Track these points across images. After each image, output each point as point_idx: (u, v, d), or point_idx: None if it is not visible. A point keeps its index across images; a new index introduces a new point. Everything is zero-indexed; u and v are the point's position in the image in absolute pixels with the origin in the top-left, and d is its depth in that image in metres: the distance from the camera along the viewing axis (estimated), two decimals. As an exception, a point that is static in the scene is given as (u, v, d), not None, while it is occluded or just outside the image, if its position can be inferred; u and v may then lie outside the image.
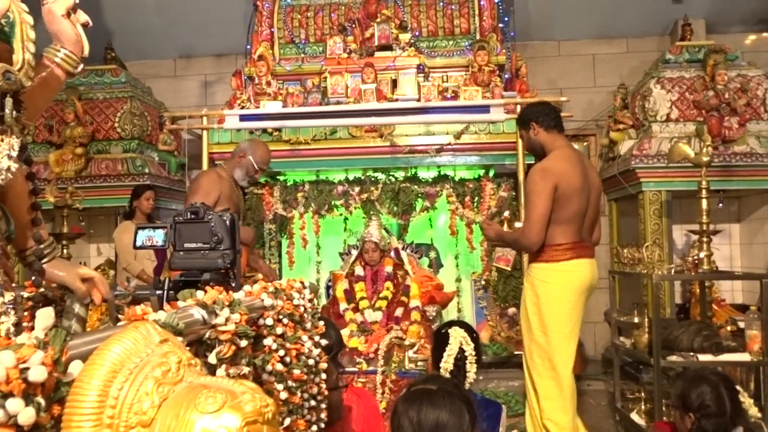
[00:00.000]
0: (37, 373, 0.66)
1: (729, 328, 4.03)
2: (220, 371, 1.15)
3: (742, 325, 3.64)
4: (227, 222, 1.84)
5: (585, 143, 6.18)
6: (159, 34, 6.15)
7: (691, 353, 3.35)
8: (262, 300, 1.43)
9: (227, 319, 1.17)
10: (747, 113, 4.85)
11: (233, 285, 1.83)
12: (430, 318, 4.25)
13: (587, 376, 5.00)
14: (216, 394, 0.67)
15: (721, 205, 4.97)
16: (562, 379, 2.81)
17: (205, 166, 4.33)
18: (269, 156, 3.52)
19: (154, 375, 0.71)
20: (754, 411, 2.01)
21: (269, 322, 1.41)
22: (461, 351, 2.32)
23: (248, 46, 5.19)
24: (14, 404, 0.64)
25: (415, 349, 3.78)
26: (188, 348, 1.07)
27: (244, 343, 1.22)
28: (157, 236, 1.85)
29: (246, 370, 1.22)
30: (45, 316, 0.73)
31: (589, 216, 2.99)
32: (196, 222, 1.83)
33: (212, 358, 1.14)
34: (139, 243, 1.85)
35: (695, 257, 3.84)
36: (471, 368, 2.32)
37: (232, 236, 1.84)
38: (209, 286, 1.32)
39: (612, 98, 5.58)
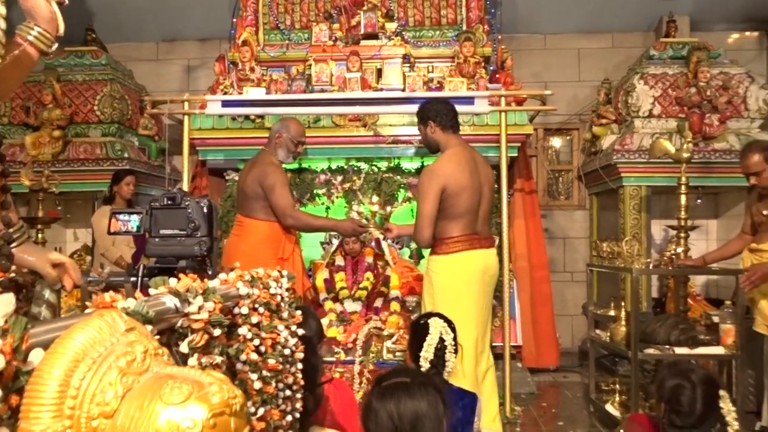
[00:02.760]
0: (-5, 362, 0.64)
1: (703, 322, 4.08)
2: (192, 360, 1.13)
3: (716, 319, 3.69)
4: (204, 209, 1.82)
5: (568, 137, 6.20)
6: (142, 17, 6.04)
7: (668, 346, 3.39)
8: (238, 288, 1.41)
9: (200, 308, 1.15)
10: (728, 111, 4.90)
11: (209, 273, 1.81)
12: (410, 309, 4.25)
13: (563, 368, 5.06)
14: (182, 385, 0.65)
15: (699, 201, 5.02)
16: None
17: (185, 151, 4.25)
18: (302, 128, 3.73)
19: (119, 365, 0.69)
20: (731, 417, 2.00)
21: (244, 311, 1.39)
22: (441, 341, 2.32)
23: (232, 31, 5.12)
24: (-30, 393, 0.62)
25: (394, 339, 3.78)
26: (160, 337, 1.05)
27: (217, 332, 1.19)
28: (132, 222, 1.83)
29: (219, 359, 1.20)
30: (5, 302, 0.70)
31: (484, 209, 3.20)
32: (173, 208, 1.80)
33: (184, 347, 1.12)
34: (113, 228, 1.82)
35: (673, 252, 3.88)
36: (450, 358, 2.32)
37: (210, 223, 1.81)
38: (185, 273, 1.30)
39: (596, 93, 5.60)
